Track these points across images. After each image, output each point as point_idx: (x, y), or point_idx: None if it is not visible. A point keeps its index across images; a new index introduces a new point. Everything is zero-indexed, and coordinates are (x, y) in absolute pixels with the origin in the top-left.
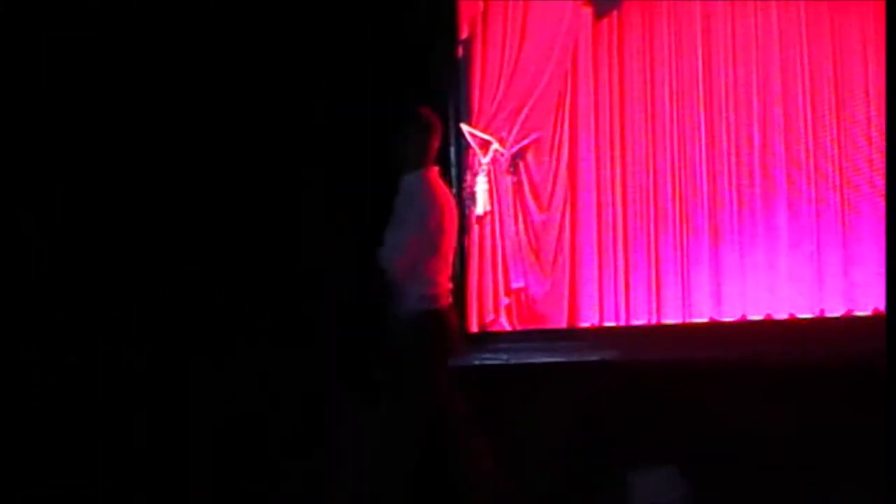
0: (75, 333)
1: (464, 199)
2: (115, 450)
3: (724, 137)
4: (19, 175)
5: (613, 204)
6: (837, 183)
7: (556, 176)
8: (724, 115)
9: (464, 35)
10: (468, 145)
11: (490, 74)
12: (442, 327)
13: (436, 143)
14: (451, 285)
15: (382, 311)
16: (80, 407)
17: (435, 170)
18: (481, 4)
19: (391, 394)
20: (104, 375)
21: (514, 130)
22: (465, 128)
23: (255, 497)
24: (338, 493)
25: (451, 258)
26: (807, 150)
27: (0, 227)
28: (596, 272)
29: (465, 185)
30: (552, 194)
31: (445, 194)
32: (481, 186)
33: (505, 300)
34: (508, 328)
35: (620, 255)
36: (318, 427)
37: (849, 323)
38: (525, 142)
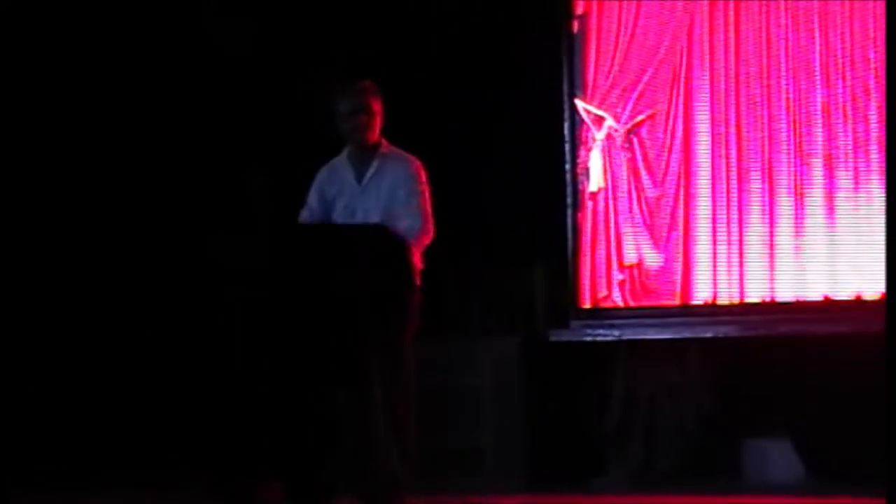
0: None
1: (577, 175)
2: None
3: (840, 114)
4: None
5: (728, 180)
6: None
7: (670, 151)
8: (840, 92)
9: (579, 10)
10: (582, 121)
11: (605, 50)
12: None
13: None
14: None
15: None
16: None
17: None
18: None
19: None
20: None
21: (629, 106)
22: (579, 103)
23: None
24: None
25: None
26: None
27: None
28: (710, 248)
29: (578, 160)
30: (666, 170)
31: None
32: (595, 162)
33: (618, 276)
34: (621, 304)
35: (735, 231)
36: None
37: None
38: (640, 117)
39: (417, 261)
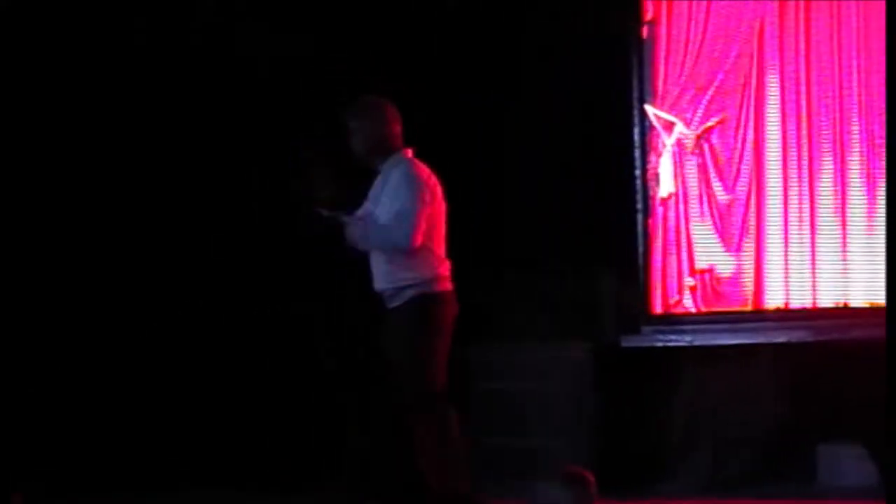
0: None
1: (647, 181)
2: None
3: None
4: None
5: (800, 185)
6: None
7: (741, 157)
8: None
9: (648, 16)
10: (652, 126)
11: (675, 55)
12: (442, 312)
13: (398, 127)
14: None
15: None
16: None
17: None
18: None
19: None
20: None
21: (699, 111)
22: (649, 109)
23: None
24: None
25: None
26: None
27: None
28: (782, 252)
29: (648, 166)
30: (737, 175)
31: (431, 175)
32: (665, 168)
33: (689, 281)
34: (693, 310)
35: (807, 235)
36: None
37: None
38: (710, 123)
39: (421, 268)
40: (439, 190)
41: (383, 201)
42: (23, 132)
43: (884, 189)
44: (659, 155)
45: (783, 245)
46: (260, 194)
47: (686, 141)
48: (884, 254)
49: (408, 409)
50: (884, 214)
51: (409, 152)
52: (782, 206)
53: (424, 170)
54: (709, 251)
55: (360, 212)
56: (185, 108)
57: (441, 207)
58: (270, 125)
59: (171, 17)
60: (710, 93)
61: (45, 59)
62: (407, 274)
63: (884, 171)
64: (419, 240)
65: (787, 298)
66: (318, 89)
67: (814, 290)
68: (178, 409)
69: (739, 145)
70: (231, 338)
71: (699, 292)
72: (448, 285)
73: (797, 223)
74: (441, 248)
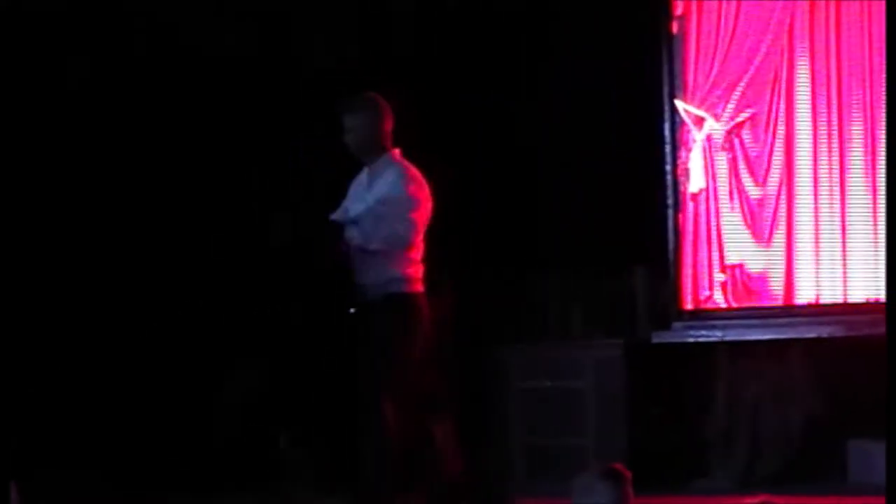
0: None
1: (678, 176)
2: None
3: None
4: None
5: (830, 179)
6: None
7: (771, 151)
8: None
9: (678, 12)
10: (682, 122)
11: (705, 50)
12: (418, 312)
13: (391, 125)
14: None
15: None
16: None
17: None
18: None
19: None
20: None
21: (730, 106)
22: (679, 104)
23: None
24: None
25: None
26: None
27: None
28: (813, 248)
29: (679, 161)
30: (768, 170)
31: (421, 177)
32: (696, 163)
33: (720, 277)
34: (723, 305)
35: (838, 230)
36: None
37: None
38: (740, 118)
39: (405, 267)
40: (428, 191)
41: (370, 200)
42: (22, 132)
43: (884, 188)
44: (689, 150)
45: (814, 240)
46: (260, 194)
47: (716, 136)
48: None
49: (377, 408)
50: (884, 215)
51: (398, 153)
52: (813, 200)
53: (416, 171)
54: (740, 246)
55: (339, 211)
56: (183, 109)
57: (429, 211)
58: (270, 125)
59: (169, 16)
60: (740, 88)
61: (44, 57)
62: (390, 273)
63: None
64: (416, 239)
65: (819, 293)
66: (319, 90)
67: (845, 286)
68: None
69: (770, 140)
70: (231, 337)
71: (730, 288)
72: (421, 287)
73: (828, 218)
74: (420, 252)
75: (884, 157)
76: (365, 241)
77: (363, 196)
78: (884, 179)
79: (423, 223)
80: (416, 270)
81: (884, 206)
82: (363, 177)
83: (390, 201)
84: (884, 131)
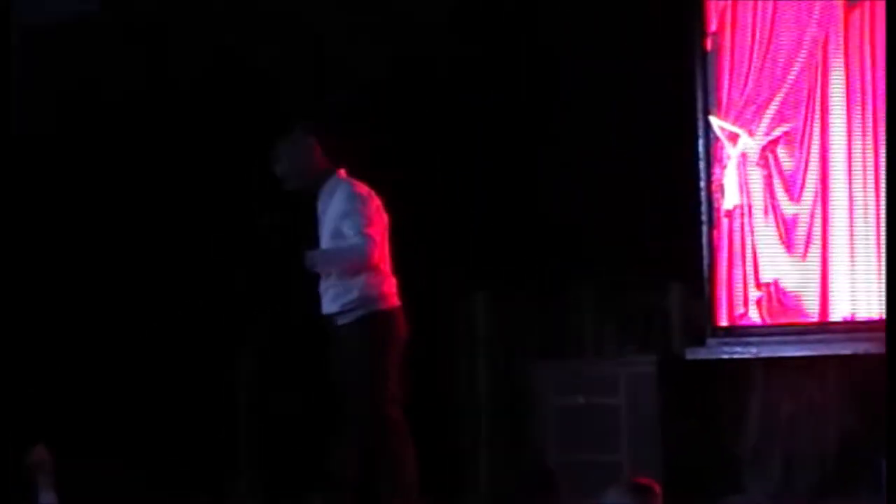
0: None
1: (712, 193)
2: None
3: None
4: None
5: (865, 195)
6: None
7: (806, 167)
8: None
9: (712, 28)
10: (717, 138)
11: (739, 67)
12: (391, 329)
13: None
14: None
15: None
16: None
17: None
18: None
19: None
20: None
21: (764, 122)
22: (713, 120)
23: None
24: None
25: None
26: None
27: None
28: (849, 264)
29: (713, 178)
30: (803, 186)
31: (371, 192)
32: (730, 179)
33: (755, 294)
34: (758, 322)
35: (873, 246)
36: None
37: None
38: (775, 134)
39: (375, 285)
40: (380, 204)
41: (328, 223)
42: (21, 134)
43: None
44: (723, 166)
45: (849, 256)
46: (260, 194)
47: (751, 152)
48: None
49: (358, 427)
50: (884, 214)
51: (343, 172)
52: (848, 216)
53: (364, 187)
54: (774, 263)
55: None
56: (182, 110)
57: (385, 224)
58: (269, 127)
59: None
60: (774, 104)
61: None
62: (356, 294)
63: None
64: (377, 255)
65: (854, 310)
66: (321, 90)
67: (880, 302)
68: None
69: (805, 156)
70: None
71: (765, 304)
72: (395, 301)
73: (863, 234)
74: (386, 265)
75: None
76: (323, 265)
77: (324, 224)
78: (884, 179)
79: (382, 237)
80: (388, 285)
81: None
82: (318, 207)
83: (343, 219)
84: None
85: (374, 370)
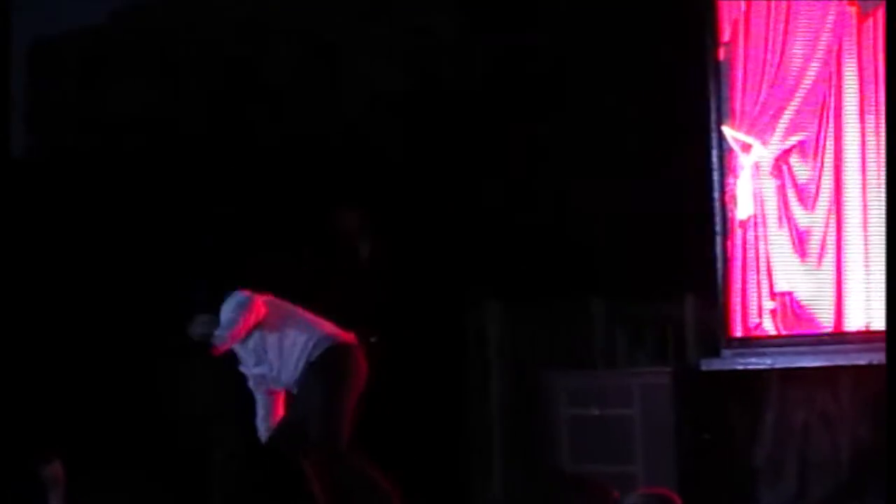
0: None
1: (726, 203)
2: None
3: None
4: None
5: (879, 205)
6: None
7: (820, 177)
8: None
9: (725, 38)
10: (730, 148)
11: (752, 77)
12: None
13: None
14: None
15: None
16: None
17: None
18: (743, 5)
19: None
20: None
21: (777, 132)
22: (726, 130)
23: None
24: None
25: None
26: None
27: None
28: (863, 274)
29: (727, 188)
30: (816, 196)
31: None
32: (744, 190)
33: (769, 304)
34: (773, 332)
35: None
36: None
37: None
38: (788, 143)
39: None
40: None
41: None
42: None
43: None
44: (737, 177)
45: (864, 266)
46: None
47: (764, 162)
48: None
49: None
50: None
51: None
52: (862, 226)
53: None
54: (788, 273)
55: None
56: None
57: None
58: (269, 132)
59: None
60: (788, 114)
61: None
62: (311, 334)
63: None
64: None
65: (869, 320)
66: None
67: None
68: None
69: (818, 166)
70: None
71: (779, 315)
72: (344, 337)
73: (877, 243)
74: (311, 314)
75: None
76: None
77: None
78: (884, 178)
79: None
80: (326, 327)
81: None
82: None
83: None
84: None
85: (331, 404)
